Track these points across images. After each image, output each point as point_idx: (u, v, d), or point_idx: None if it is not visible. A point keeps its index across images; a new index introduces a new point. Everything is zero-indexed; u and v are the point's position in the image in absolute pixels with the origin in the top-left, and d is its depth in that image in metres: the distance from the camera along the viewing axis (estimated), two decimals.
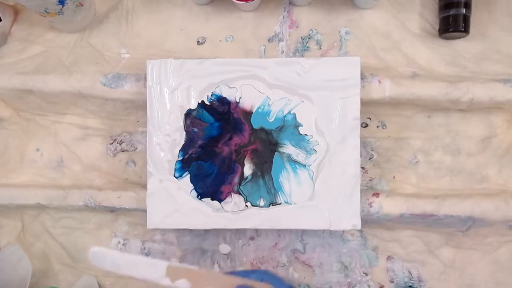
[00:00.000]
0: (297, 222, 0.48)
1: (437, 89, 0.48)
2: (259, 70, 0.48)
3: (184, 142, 0.48)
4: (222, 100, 0.48)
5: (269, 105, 0.48)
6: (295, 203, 0.47)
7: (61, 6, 0.49)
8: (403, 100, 0.49)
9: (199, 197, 0.48)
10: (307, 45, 0.53)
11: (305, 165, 0.47)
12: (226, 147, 0.48)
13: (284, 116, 0.48)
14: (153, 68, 0.48)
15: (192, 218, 0.48)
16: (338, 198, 0.47)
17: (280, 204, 0.47)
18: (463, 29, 0.49)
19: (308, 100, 0.48)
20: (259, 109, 0.48)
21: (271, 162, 0.48)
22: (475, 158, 0.52)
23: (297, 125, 0.48)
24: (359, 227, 0.47)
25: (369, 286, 0.53)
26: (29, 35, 0.56)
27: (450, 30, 0.50)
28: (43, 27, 0.56)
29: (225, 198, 0.48)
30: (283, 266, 0.53)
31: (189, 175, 0.48)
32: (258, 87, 0.48)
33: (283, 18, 0.54)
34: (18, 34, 0.56)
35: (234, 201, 0.48)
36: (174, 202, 0.48)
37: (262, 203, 0.48)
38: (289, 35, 0.54)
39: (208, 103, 0.48)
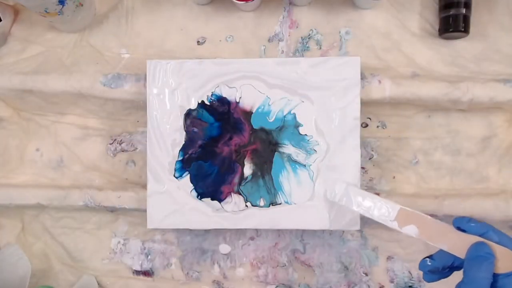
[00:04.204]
0: (297, 222, 0.48)
1: (437, 89, 0.48)
2: (259, 70, 0.48)
3: (184, 142, 0.48)
4: (222, 100, 0.48)
5: (269, 105, 0.48)
6: (295, 203, 0.47)
7: (61, 6, 0.49)
8: (403, 100, 0.49)
9: (199, 197, 0.48)
10: (307, 45, 0.53)
11: (305, 165, 0.47)
12: (226, 147, 0.48)
13: (284, 116, 0.48)
14: (153, 68, 0.48)
15: (192, 218, 0.48)
16: None
17: (280, 204, 0.47)
18: (463, 29, 0.49)
19: (308, 100, 0.47)
20: (259, 109, 0.48)
21: (271, 162, 0.48)
22: (475, 158, 0.52)
23: (297, 125, 0.48)
24: (358, 227, 0.47)
25: (369, 286, 0.53)
26: (29, 35, 0.56)
27: (450, 30, 0.50)
28: (43, 27, 0.56)
29: (225, 198, 0.48)
30: (283, 266, 0.53)
31: (189, 175, 0.48)
32: (258, 87, 0.48)
33: (283, 18, 0.54)
34: (18, 34, 0.56)
35: (234, 201, 0.48)
36: (174, 202, 0.48)
37: (262, 203, 0.48)
38: (289, 35, 0.54)
39: (208, 103, 0.48)
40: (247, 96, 0.48)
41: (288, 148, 0.48)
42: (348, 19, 0.53)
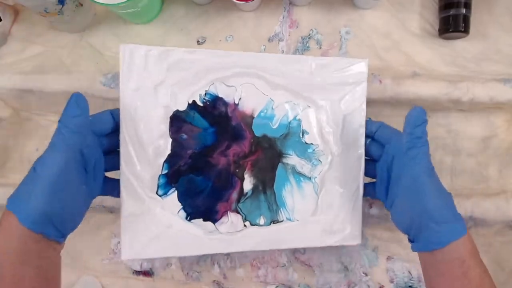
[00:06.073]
0: (299, 240, 0.43)
1: (437, 89, 0.48)
2: (260, 66, 0.41)
3: (170, 152, 0.39)
4: (218, 100, 0.41)
5: (272, 108, 0.42)
6: (297, 220, 0.42)
7: (61, 6, 0.49)
8: (404, 100, 0.49)
9: (188, 218, 0.40)
10: (307, 45, 0.53)
11: (310, 178, 0.42)
12: (223, 157, 0.40)
13: (289, 123, 0.42)
14: (129, 55, 0.38)
15: (180, 244, 0.40)
16: (341, 210, 0.43)
17: (281, 221, 0.42)
18: (463, 29, 0.49)
19: (314, 105, 0.42)
20: (262, 113, 0.42)
21: (274, 174, 0.42)
22: (475, 158, 0.52)
23: (302, 133, 0.42)
24: (359, 241, 0.44)
25: (369, 286, 0.52)
26: (29, 35, 0.56)
27: (450, 30, 0.50)
28: (43, 27, 0.56)
29: (220, 218, 0.40)
30: (283, 266, 0.53)
31: (176, 192, 0.39)
32: (260, 87, 0.41)
33: (283, 18, 0.54)
34: (18, 34, 0.56)
35: (231, 220, 0.41)
36: (157, 225, 0.39)
37: (262, 221, 0.41)
38: (289, 35, 0.54)
39: (201, 104, 0.40)
40: (247, 97, 0.41)
41: (292, 159, 0.42)
42: (348, 19, 0.53)
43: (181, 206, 0.40)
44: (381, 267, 0.52)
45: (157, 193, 0.39)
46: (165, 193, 0.39)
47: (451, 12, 0.49)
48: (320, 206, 0.42)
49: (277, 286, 0.53)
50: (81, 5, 0.52)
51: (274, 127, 0.42)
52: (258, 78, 0.41)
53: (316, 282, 0.53)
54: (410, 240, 0.39)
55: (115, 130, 0.38)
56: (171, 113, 0.39)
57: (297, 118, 0.42)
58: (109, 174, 0.40)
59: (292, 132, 0.42)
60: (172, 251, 0.40)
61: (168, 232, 0.39)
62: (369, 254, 0.53)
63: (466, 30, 0.49)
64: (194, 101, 0.40)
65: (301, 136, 0.42)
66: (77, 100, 0.35)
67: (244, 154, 0.41)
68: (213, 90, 0.40)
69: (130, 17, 0.53)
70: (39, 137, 0.57)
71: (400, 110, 0.52)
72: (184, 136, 0.39)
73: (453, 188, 0.52)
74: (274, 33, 0.54)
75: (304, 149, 0.42)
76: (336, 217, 0.43)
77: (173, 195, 0.39)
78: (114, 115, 0.38)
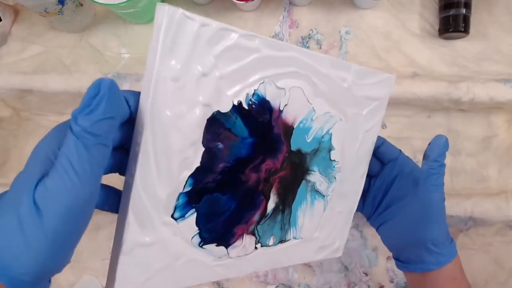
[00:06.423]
0: (296, 257, 0.39)
1: (437, 89, 0.48)
2: (314, 69, 0.33)
3: (199, 164, 0.29)
4: (264, 104, 0.31)
5: (312, 119, 0.35)
6: (301, 238, 0.38)
7: (61, 6, 0.49)
8: (404, 100, 0.49)
9: (201, 244, 0.32)
10: (307, 45, 0.53)
11: (324, 196, 0.39)
12: (254, 173, 0.33)
13: (322, 137, 0.36)
14: (176, 28, 0.27)
15: (186, 274, 0.32)
16: (336, 225, 0.41)
17: (288, 240, 0.37)
18: (463, 29, 0.49)
19: (345, 118, 0.37)
20: (301, 124, 0.34)
21: (296, 192, 0.37)
22: (475, 158, 0.52)
23: (330, 149, 0.37)
24: (340, 254, 0.43)
25: (369, 286, 0.52)
26: (29, 35, 0.56)
27: (450, 30, 0.50)
28: (43, 27, 0.56)
29: (234, 242, 0.34)
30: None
31: (195, 214, 0.30)
32: (307, 93, 0.34)
33: (283, 18, 0.54)
34: (18, 34, 0.56)
35: (244, 243, 0.34)
36: (164, 257, 0.30)
37: (271, 241, 0.36)
38: (289, 35, 0.54)
39: (247, 107, 0.30)
40: (293, 103, 0.33)
41: (315, 176, 0.37)
42: (348, 19, 0.53)
43: (198, 231, 0.31)
44: (381, 267, 0.53)
45: (172, 216, 0.29)
46: (182, 216, 0.30)
47: (451, 12, 0.49)
48: (322, 223, 0.40)
49: (277, 286, 0.53)
50: (81, 5, 0.52)
51: (309, 140, 0.36)
52: (307, 82, 0.34)
53: (316, 282, 0.53)
54: (397, 259, 0.40)
55: (126, 121, 0.26)
56: (209, 115, 0.29)
57: (330, 131, 0.37)
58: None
59: (322, 148, 0.37)
60: (174, 284, 0.32)
61: (175, 264, 0.31)
62: (369, 254, 0.53)
63: (466, 30, 0.49)
64: (240, 102, 0.30)
65: (328, 152, 0.38)
66: (110, 92, 0.22)
67: (275, 170, 0.34)
68: (261, 91, 0.31)
69: (130, 17, 0.53)
70: (39, 137, 0.56)
71: (400, 110, 0.52)
72: (220, 145, 0.30)
73: (453, 188, 0.52)
74: (274, 33, 0.54)
75: (328, 166, 0.38)
76: (331, 233, 0.41)
77: (191, 218, 0.30)
78: (130, 103, 0.26)
